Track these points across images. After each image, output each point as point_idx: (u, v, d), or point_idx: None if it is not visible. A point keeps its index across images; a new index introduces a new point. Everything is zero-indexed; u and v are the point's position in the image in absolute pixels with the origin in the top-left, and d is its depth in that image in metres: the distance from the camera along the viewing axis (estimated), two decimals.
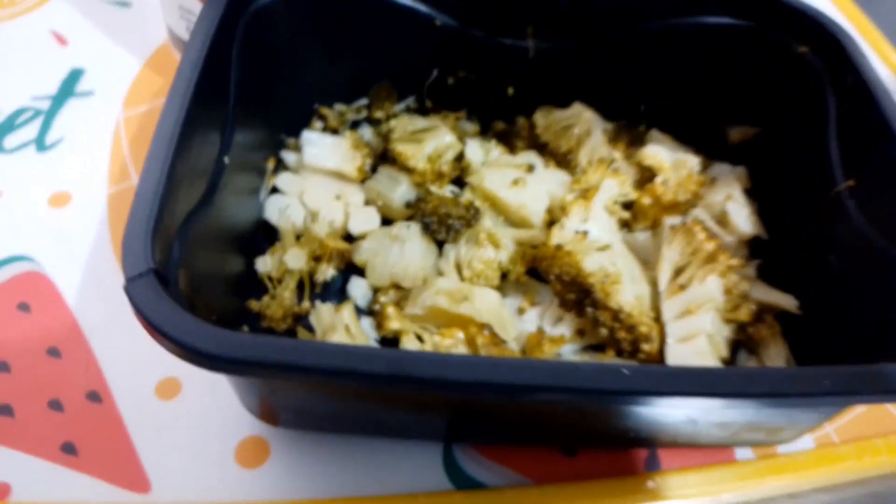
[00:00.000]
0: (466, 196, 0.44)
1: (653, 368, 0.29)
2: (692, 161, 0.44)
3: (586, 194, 0.42)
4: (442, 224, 0.42)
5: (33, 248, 0.44)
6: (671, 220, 0.42)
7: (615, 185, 0.43)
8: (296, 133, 0.47)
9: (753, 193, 0.47)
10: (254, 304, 0.40)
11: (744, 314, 0.39)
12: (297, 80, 0.45)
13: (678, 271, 0.40)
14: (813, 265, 0.41)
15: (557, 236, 0.39)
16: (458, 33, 0.45)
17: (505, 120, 0.50)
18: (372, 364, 0.24)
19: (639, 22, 0.44)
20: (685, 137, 0.49)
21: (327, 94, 0.48)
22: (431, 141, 0.45)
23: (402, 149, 0.44)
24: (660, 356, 0.39)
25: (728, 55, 0.46)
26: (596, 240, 0.40)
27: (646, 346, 0.38)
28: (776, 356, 0.41)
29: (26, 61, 0.54)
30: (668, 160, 0.44)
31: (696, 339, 0.37)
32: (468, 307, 0.37)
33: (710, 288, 0.38)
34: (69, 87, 0.52)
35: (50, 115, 0.50)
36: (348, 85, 0.48)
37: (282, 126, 0.47)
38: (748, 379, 0.26)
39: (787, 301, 0.42)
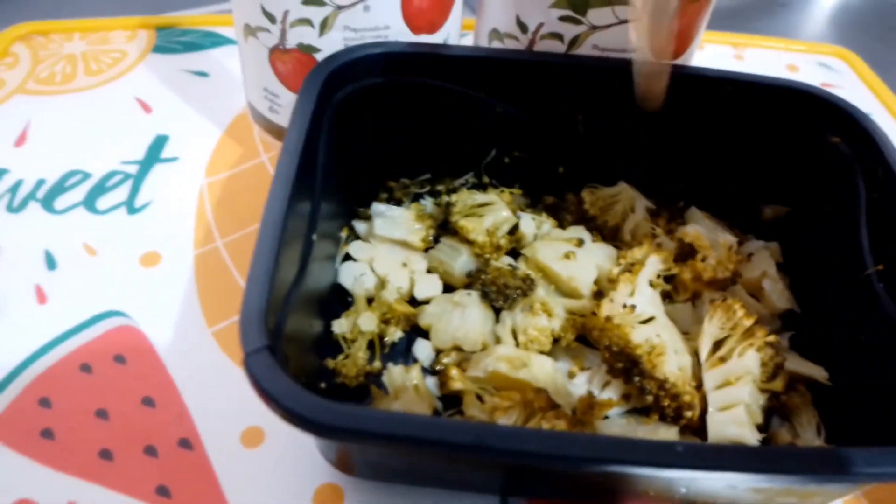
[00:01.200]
0: (521, 267, 0.49)
1: (701, 447, 0.32)
2: (731, 240, 0.48)
3: (632, 268, 0.46)
4: (500, 293, 0.46)
5: (127, 304, 0.48)
6: (712, 295, 0.46)
7: (659, 262, 0.46)
8: (366, 204, 0.51)
9: (786, 268, 0.51)
10: (330, 363, 0.44)
11: (778, 384, 0.43)
12: (371, 157, 0.50)
13: (718, 344, 0.43)
14: (843, 341, 0.45)
15: (607, 308, 0.43)
16: (514, 118, 0.50)
17: (555, 195, 0.54)
18: (461, 436, 0.28)
19: (681, 113, 0.49)
20: (721, 213, 0.53)
21: (395, 170, 0.53)
22: (489, 216, 0.49)
23: (463, 223, 0.48)
24: (700, 422, 0.42)
25: (764, 141, 0.50)
26: (642, 313, 0.44)
27: (688, 413, 0.42)
28: (807, 423, 0.45)
29: (114, 127, 0.58)
30: (707, 238, 0.48)
31: (735, 409, 0.41)
32: (526, 373, 0.41)
33: (749, 362, 0.41)
34: (155, 152, 0.57)
35: (139, 180, 0.55)
36: (414, 161, 0.53)
37: (354, 198, 0.52)
38: (783, 458, 0.30)
39: (817, 372, 0.45)
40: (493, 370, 0.42)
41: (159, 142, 0.59)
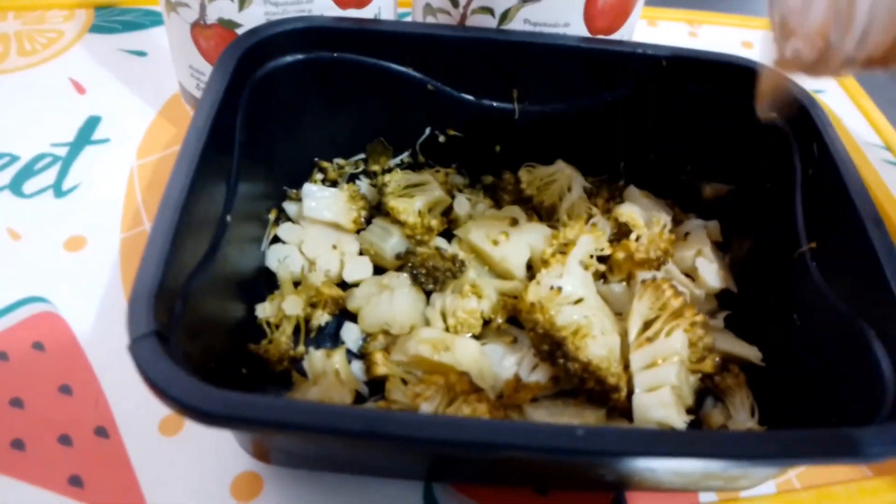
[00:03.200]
0: (453, 248, 0.47)
1: (603, 430, 0.32)
2: (665, 218, 0.47)
3: (564, 249, 0.45)
4: (430, 275, 0.45)
5: (49, 290, 0.47)
6: (644, 275, 0.45)
7: (591, 241, 0.46)
8: (297, 185, 0.50)
9: (726, 247, 0.50)
10: (253, 348, 0.43)
11: (708, 365, 0.42)
12: (300, 137, 0.49)
13: (647, 324, 0.43)
14: (778, 320, 0.44)
15: (534, 291, 0.42)
16: (449, 97, 0.48)
17: (493, 174, 0.53)
18: (350, 423, 0.27)
19: (618, 90, 0.48)
20: (662, 192, 0.53)
21: (327, 150, 0.51)
22: (422, 196, 0.48)
23: (394, 203, 0.47)
24: (628, 403, 0.41)
25: (704, 119, 0.49)
26: (570, 294, 0.43)
27: (615, 395, 0.41)
28: (740, 404, 0.44)
29: (46, 109, 0.57)
30: (643, 218, 0.47)
31: (661, 390, 0.40)
32: (449, 356, 0.40)
33: (675, 342, 0.41)
34: (86, 134, 0.56)
35: (67, 162, 0.53)
36: (347, 141, 0.51)
37: (284, 178, 0.50)
38: (696, 442, 0.29)
39: (751, 352, 0.45)
40: (416, 353, 0.41)
41: (91, 123, 0.57)
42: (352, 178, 0.53)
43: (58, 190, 0.53)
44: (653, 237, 0.46)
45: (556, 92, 0.48)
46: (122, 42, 0.66)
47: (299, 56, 0.45)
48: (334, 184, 0.52)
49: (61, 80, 0.61)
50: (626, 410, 0.41)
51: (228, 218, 0.40)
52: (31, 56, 0.63)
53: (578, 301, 0.43)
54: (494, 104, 0.49)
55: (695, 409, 0.43)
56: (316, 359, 0.42)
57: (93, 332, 0.46)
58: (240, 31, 0.46)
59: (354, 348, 0.45)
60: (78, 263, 0.49)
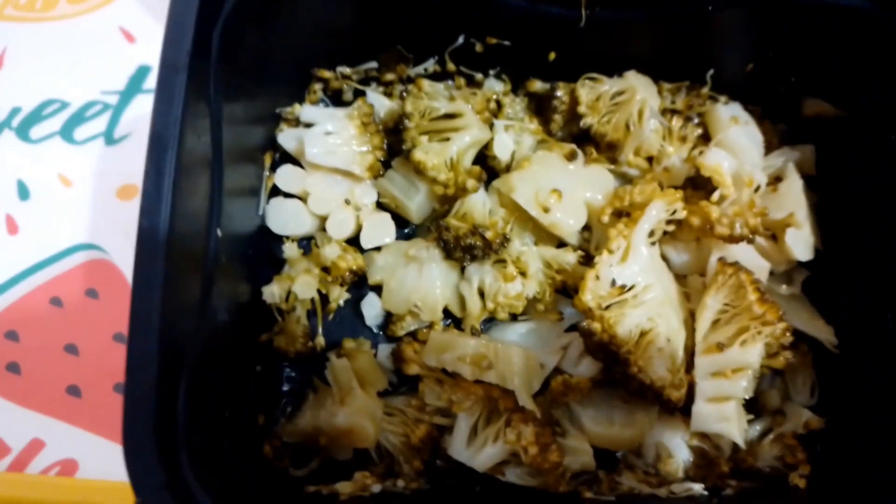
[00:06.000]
0: (492, 203, 0.39)
1: None
2: (759, 178, 0.38)
3: (628, 223, 0.37)
4: (466, 252, 0.38)
5: (102, 238, 0.45)
6: (720, 253, 0.38)
7: (663, 208, 0.37)
8: (294, 100, 0.39)
9: (818, 184, 0.42)
10: (264, 338, 0.38)
11: (780, 362, 0.38)
12: (298, 38, 0.37)
13: (718, 320, 0.37)
14: (865, 312, 0.38)
15: (591, 291, 0.35)
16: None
17: (542, 79, 0.41)
18: None
19: None
20: (751, 99, 0.42)
21: (331, 55, 0.39)
22: (456, 140, 0.38)
23: (420, 156, 0.37)
24: (686, 401, 0.37)
25: (822, 30, 0.36)
26: (635, 287, 0.36)
27: (674, 394, 0.37)
28: (801, 385, 0.41)
29: (95, 56, 0.50)
30: (731, 167, 0.38)
31: (726, 405, 0.36)
32: (492, 375, 0.35)
33: (751, 356, 0.36)
34: (137, 83, 0.50)
35: (118, 110, 0.49)
36: (354, 44, 0.39)
37: (280, 95, 0.39)
38: None
39: (826, 335, 0.40)
40: (454, 371, 0.36)
41: (141, 72, 0.50)
42: (359, 93, 0.41)
43: (109, 138, 0.48)
44: (741, 209, 0.37)
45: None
46: None
47: None
48: (338, 97, 0.41)
49: (111, 28, 0.52)
50: (679, 409, 0.38)
51: (219, 232, 0.31)
52: (81, 3, 0.52)
53: (644, 290, 0.36)
54: (554, 10, 0.36)
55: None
56: (339, 370, 0.37)
57: None
58: None
59: (375, 325, 0.40)
60: (130, 212, 0.43)
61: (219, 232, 0.31)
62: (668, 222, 0.39)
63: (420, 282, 0.38)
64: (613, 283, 0.36)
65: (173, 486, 0.25)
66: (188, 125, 0.28)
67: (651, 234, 0.38)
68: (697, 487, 0.38)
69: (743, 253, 0.39)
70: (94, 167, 0.47)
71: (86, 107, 0.48)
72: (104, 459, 0.38)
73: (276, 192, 0.39)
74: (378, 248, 0.39)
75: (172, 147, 0.27)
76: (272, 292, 0.38)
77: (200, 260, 0.30)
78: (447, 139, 0.38)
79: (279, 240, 0.39)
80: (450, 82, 0.41)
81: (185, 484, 0.26)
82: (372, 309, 0.40)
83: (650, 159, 0.40)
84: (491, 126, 0.40)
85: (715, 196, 0.38)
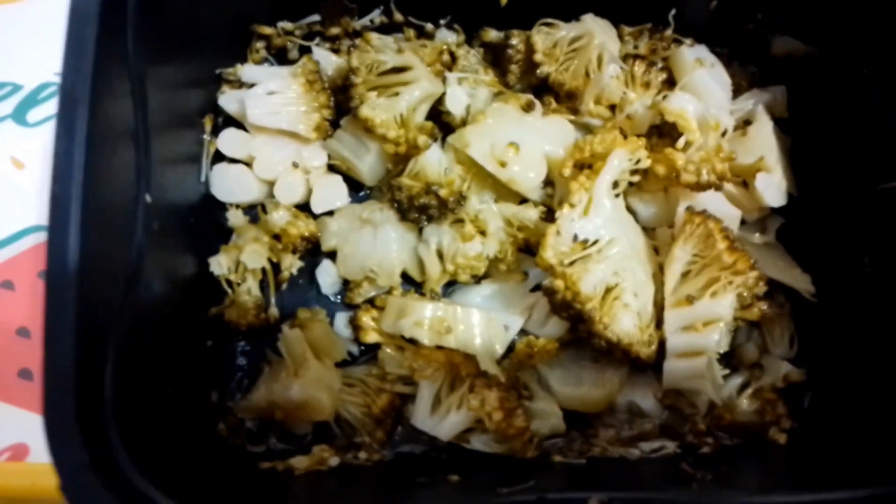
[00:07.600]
0: (447, 160, 0.37)
1: None
2: (726, 121, 0.36)
3: (590, 175, 0.35)
4: (421, 212, 0.36)
5: None
6: (688, 202, 0.36)
7: (625, 156, 0.35)
8: (235, 60, 0.37)
9: (789, 126, 0.40)
10: (213, 311, 0.36)
11: (754, 314, 0.36)
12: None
13: (688, 273, 0.35)
14: (843, 257, 0.36)
15: (552, 247, 0.33)
16: None
17: (496, 27, 0.39)
18: None
19: None
20: (722, 42, 0.40)
21: (268, 10, 0.37)
22: (405, 95, 0.36)
23: (367, 112, 0.35)
24: (657, 357, 0.36)
25: None
26: (598, 241, 0.34)
27: (644, 351, 0.35)
28: (780, 337, 0.39)
29: (48, 40, 0.47)
30: (696, 111, 0.36)
31: (698, 360, 0.35)
32: (452, 339, 0.34)
33: (722, 307, 0.34)
34: None
35: None
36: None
37: (219, 55, 0.37)
38: None
39: (802, 284, 0.38)
40: (413, 338, 0.34)
41: None
42: (305, 51, 0.39)
43: None
44: (707, 154, 0.35)
45: None
46: None
47: None
48: (283, 55, 0.39)
49: (63, 10, 0.46)
50: (650, 366, 0.36)
51: (147, 198, 0.29)
52: None
53: (608, 244, 0.35)
54: None
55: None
56: (292, 341, 0.35)
57: None
58: None
59: (331, 293, 0.38)
60: None
61: (148, 198, 0.29)
62: (633, 172, 0.37)
63: (376, 246, 0.36)
64: (575, 238, 0.34)
65: (100, 465, 0.23)
66: (102, 81, 0.26)
67: (615, 185, 0.36)
68: (671, 445, 0.36)
69: (712, 201, 0.37)
70: (47, 150, 0.45)
71: (38, 89, 0.46)
72: None
73: (220, 157, 0.37)
74: (331, 213, 0.38)
75: (83, 104, 0.25)
76: (219, 263, 0.36)
77: (127, 229, 0.28)
78: (396, 94, 0.36)
79: (225, 208, 0.37)
80: (400, 35, 0.39)
81: (115, 463, 0.24)
82: (327, 276, 0.38)
83: (612, 108, 0.38)
84: (444, 80, 0.38)
85: (680, 142, 0.36)
